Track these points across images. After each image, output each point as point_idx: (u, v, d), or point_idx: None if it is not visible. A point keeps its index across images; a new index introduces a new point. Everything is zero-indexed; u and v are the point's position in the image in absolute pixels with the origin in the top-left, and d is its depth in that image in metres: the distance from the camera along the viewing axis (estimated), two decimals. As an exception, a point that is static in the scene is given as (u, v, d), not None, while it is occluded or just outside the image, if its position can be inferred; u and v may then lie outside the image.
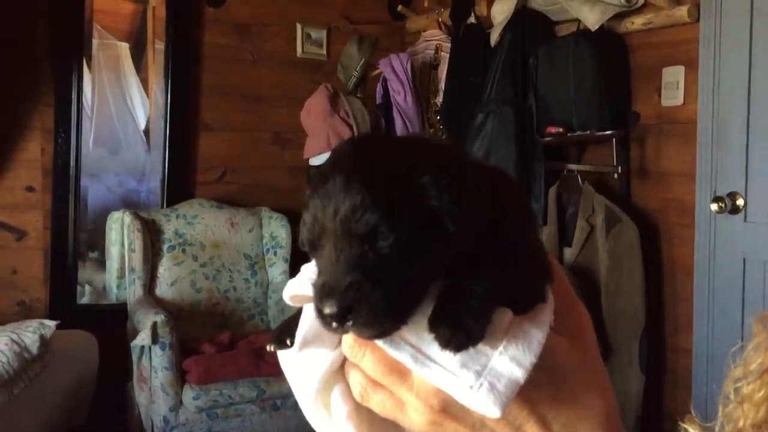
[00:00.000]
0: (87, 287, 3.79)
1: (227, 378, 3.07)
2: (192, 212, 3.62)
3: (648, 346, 2.94)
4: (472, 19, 3.59)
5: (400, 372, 0.47)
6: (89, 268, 3.85)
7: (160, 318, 2.99)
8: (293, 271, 3.68)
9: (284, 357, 0.53)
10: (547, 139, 3.12)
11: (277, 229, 3.69)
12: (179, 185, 3.76)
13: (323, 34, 4.06)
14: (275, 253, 3.68)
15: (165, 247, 3.51)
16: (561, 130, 3.10)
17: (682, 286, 2.97)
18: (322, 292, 0.45)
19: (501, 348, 0.46)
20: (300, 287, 0.52)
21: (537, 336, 0.46)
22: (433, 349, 0.46)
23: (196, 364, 3.06)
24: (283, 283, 3.63)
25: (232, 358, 3.15)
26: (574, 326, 0.52)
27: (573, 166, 3.18)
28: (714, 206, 2.77)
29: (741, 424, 0.58)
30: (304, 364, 0.51)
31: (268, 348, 0.53)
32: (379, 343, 0.47)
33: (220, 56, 3.87)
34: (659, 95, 3.02)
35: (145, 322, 2.99)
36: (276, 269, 3.68)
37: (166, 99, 3.75)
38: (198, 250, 3.56)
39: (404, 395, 0.48)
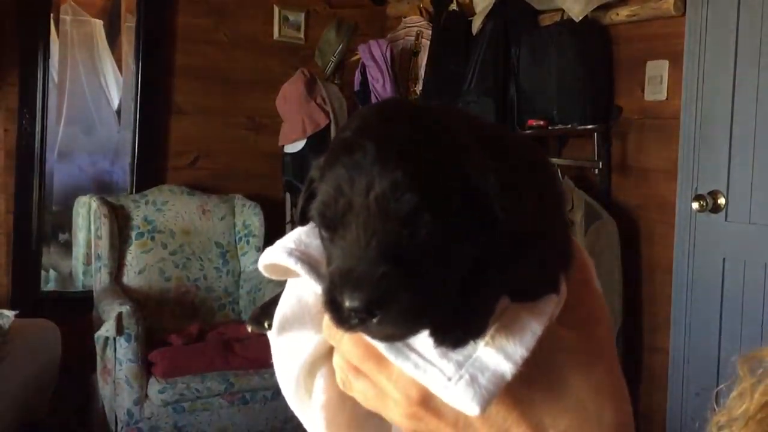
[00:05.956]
0: (52, 272, 3.67)
1: (195, 371, 2.98)
2: (162, 198, 3.51)
3: (624, 344, 2.90)
4: (453, 6, 3.50)
5: (379, 357, 0.41)
6: (54, 253, 3.73)
7: (125, 309, 2.90)
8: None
9: (270, 337, 0.48)
10: (527, 131, 3.05)
11: (250, 217, 3.59)
12: (149, 170, 3.65)
13: (301, 17, 3.94)
14: (248, 242, 3.59)
15: (133, 234, 3.40)
16: (542, 123, 3.04)
17: (661, 285, 2.92)
18: (346, 279, 0.37)
19: (488, 338, 0.39)
20: (278, 257, 0.44)
21: (533, 327, 0.39)
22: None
23: (162, 356, 2.97)
24: (256, 272, 3.55)
25: (200, 351, 3.07)
26: (585, 319, 0.44)
27: (553, 160, 3.12)
28: (695, 204, 2.72)
29: None
30: (287, 347, 0.45)
31: (248, 329, 0.49)
32: None
33: (193, 37, 3.75)
34: (642, 90, 2.95)
35: (110, 313, 2.89)
36: (248, 258, 3.59)
37: (137, 79, 3.62)
38: (167, 237, 3.45)
39: (383, 383, 0.41)
